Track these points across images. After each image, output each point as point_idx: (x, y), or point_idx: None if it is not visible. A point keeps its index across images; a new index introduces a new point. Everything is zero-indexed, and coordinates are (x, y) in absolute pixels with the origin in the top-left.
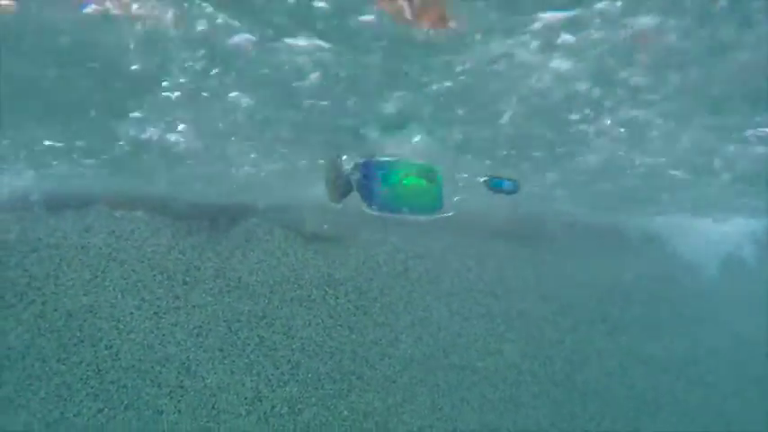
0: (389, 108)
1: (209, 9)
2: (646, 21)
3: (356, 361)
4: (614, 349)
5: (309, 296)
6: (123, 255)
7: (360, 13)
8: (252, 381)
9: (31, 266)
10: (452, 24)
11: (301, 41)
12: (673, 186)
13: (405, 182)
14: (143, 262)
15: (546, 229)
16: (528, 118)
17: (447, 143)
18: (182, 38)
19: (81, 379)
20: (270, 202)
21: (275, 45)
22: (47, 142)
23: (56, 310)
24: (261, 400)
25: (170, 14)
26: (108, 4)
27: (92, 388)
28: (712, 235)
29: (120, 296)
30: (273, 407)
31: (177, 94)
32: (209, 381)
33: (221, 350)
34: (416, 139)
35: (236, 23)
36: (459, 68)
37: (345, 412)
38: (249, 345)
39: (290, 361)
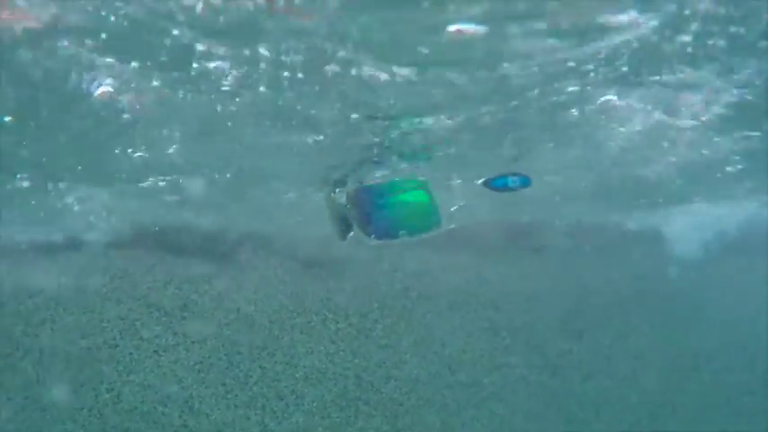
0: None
1: None
2: None
3: (361, 386)
4: (625, 354)
5: (309, 322)
6: (119, 294)
7: None
8: (257, 414)
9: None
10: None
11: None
12: None
13: (400, 198)
14: (139, 300)
15: (548, 234)
16: None
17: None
18: None
19: (83, 426)
20: (263, 230)
21: None
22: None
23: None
24: None
25: None
26: None
27: None
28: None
29: (118, 336)
30: None
31: None
32: (212, 417)
33: (224, 385)
34: None
35: None
36: None
37: None
38: (251, 377)
39: (294, 391)
